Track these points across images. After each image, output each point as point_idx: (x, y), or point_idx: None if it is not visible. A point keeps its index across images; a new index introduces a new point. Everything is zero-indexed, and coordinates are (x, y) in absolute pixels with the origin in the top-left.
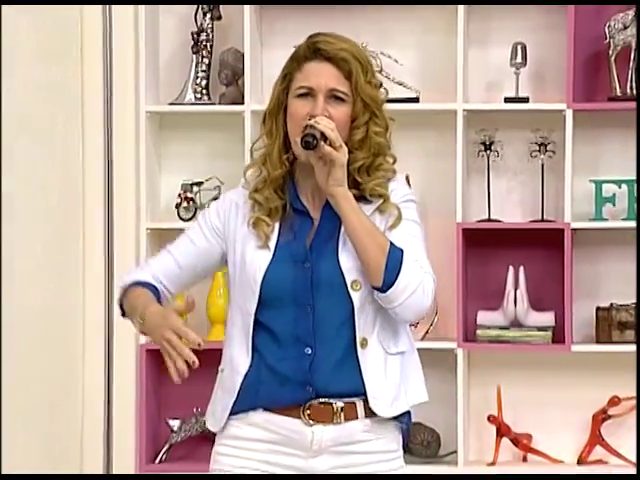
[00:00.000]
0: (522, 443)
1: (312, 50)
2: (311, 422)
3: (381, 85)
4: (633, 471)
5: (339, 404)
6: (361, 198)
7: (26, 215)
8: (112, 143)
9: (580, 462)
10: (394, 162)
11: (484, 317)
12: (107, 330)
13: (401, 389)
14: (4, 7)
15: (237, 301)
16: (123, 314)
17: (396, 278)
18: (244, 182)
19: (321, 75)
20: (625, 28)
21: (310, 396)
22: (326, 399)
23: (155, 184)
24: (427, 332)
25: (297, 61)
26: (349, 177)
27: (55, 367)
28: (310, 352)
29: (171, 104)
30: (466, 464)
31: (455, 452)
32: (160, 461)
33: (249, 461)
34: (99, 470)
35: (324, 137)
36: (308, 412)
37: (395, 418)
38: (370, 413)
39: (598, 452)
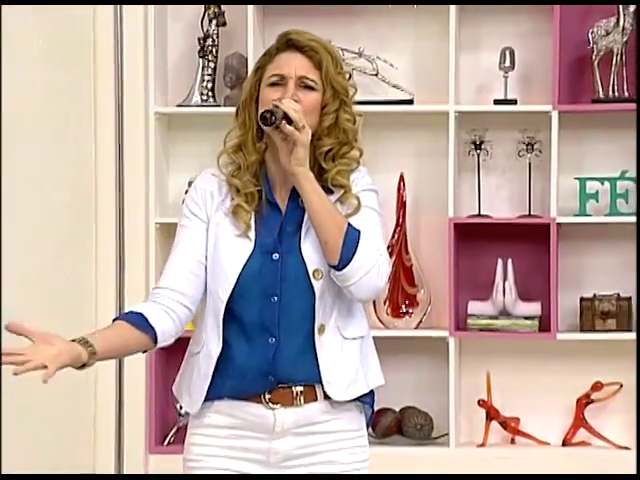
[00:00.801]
0: (510, 426)
1: (284, 42)
2: (272, 406)
3: (350, 77)
4: (615, 453)
5: (298, 388)
6: (323, 188)
7: (41, 211)
8: (123, 142)
9: (565, 444)
10: (361, 155)
11: (474, 307)
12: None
13: (359, 372)
14: (21, 11)
15: (211, 287)
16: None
17: (352, 257)
18: (214, 169)
19: (292, 64)
20: (607, 34)
21: (272, 385)
22: (286, 385)
23: (163, 181)
24: (420, 321)
25: (269, 54)
26: (315, 163)
27: None
28: (273, 341)
29: (179, 106)
30: (457, 446)
31: (447, 434)
32: (168, 443)
33: (216, 448)
34: (111, 451)
35: (287, 118)
36: (269, 397)
37: (355, 399)
38: (328, 395)
39: (582, 434)
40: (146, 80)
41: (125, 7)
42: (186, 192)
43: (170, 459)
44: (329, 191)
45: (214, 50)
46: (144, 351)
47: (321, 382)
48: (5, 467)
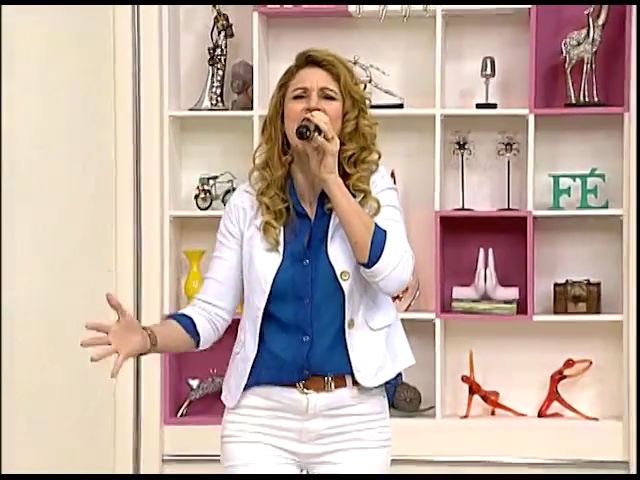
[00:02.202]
0: (491, 399)
1: (303, 59)
2: (306, 391)
3: (365, 87)
4: (585, 423)
5: (330, 376)
6: None
7: (66, 206)
8: (140, 143)
9: (540, 415)
10: (379, 157)
11: (458, 292)
12: (136, 304)
13: (387, 359)
14: (48, 22)
15: (247, 295)
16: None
17: (380, 255)
18: (247, 186)
19: (313, 77)
20: (579, 44)
21: (306, 376)
22: (319, 375)
23: (177, 178)
24: (410, 305)
25: (291, 72)
26: (339, 167)
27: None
28: (307, 339)
29: (190, 110)
30: (443, 417)
31: (433, 407)
32: (182, 415)
33: (252, 426)
34: (130, 423)
35: (318, 130)
36: (303, 382)
37: (380, 384)
38: (357, 382)
39: (555, 407)
40: (161, 86)
41: (142, 20)
42: (197, 188)
43: (182, 429)
44: (352, 195)
45: (222, 59)
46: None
47: (351, 371)
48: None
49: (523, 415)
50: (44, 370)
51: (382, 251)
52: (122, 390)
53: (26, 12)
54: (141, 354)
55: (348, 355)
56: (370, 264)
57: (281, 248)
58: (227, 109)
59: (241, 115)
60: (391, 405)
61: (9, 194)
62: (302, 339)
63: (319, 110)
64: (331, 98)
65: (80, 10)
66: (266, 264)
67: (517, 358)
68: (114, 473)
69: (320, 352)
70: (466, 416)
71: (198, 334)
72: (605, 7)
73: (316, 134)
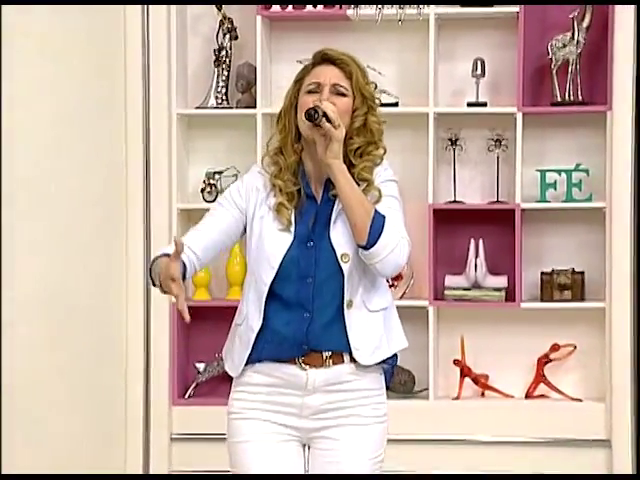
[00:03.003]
0: (481, 382)
1: (319, 57)
2: (305, 367)
3: (375, 87)
4: (569, 404)
5: (327, 353)
6: None
7: (80, 198)
8: (149, 139)
9: (527, 397)
10: (384, 153)
11: (450, 280)
12: (145, 291)
13: (383, 339)
14: (67, 28)
15: (254, 270)
16: (153, 283)
17: (378, 238)
18: (260, 169)
19: (327, 74)
20: (564, 47)
21: (305, 351)
22: (317, 351)
23: (184, 173)
24: (404, 292)
25: (307, 69)
26: (346, 159)
27: (103, 323)
28: (307, 316)
29: (197, 108)
30: (435, 399)
31: (427, 389)
32: (189, 396)
33: (257, 403)
34: (140, 404)
35: (326, 116)
36: (302, 359)
37: (377, 362)
38: (355, 359)
39: (542, 389)
40: (169, 86)
41: (151, 24)
42: (203, 182)
43: (190, 410)
44: (356, 183)
45: (227, 60)
46: None
47: (349, 349)
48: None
49: (511, 396)
50: (57, 352)
51: (380, 235)
52: (133, 373)
53: (41, 13)
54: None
55: (346, 333)
56: (368, 246)
57: (292, 228)
58: (232, 107)
59: (245, 113)
60: (387, 388)
61: (26, 188)
62: (303, 315)
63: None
64: (342, 94)
65: (93, 13)
66: (277, 243)
67: (506, 343)
68: (125, 452)
69: (319, 328)
70: (457, 398)
71: (184, 265)
72: (589, 11)
73: (324, 119)
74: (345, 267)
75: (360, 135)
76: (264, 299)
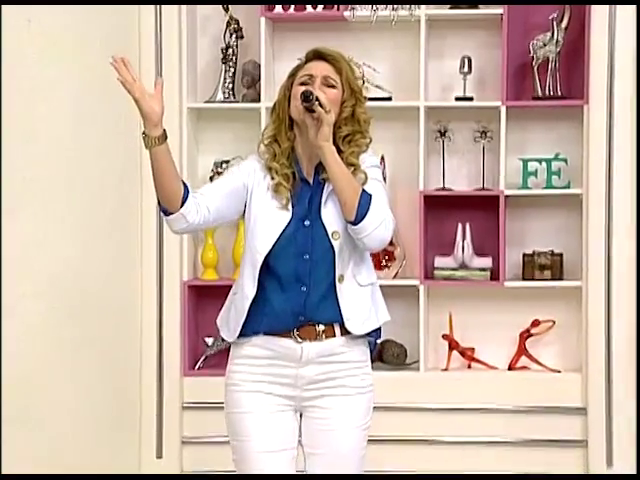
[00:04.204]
0: (467, 354)
1: (312, 54)
2: (300, 340)
3: (363, 83)
4: (549, 375)
5: (321, 327)
6: None
7: (97, 185)
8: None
9: (510, 368)
10: (370, 142)
11: (439, 261)
12: (158, 272)
13: (372, 311)
14: (85, 28)
15: (251, 243)
16: (164, 211)
17: (366, 214)
18: (256, 155)
19: (319, 67)
20: (545, 45)
21: (301, 323)
22: (312, 324)
23: (194, 162)
24: (397, 273)
25: (300, 64)
26: (335, 145)
27: (120, 302)
28: (305, 290)
29: (206, 102)
30: (426, 370)
31: (418, 361)
32: (198, 368)
33: (254, 375)
34: (153, 375)
35: (318, 101)
36: (298, 333)
37: (365, 335)
38: (345, 332)
39: (523, 361)
40: (180, 82)
41: (164, 24)
42: (212, 170)
43: (199, 380)
44: None
45: (234, 58)
46: (167, 205)
47: (341, 321)
48: (83, 374)
49: (495, 368)
50: (76, 329)
51: (367, 211)
52: (147, 347)
53: (58, 13)
54: (147, 140)
55: (339, 306)
56: (357, 222)
57: (290, 207)
58: (238, 102)
59: (250, 107)
60: (379, 359)
61: (46, 175)
62: (300, 289)
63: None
64: (332, 86)
65: (110, 13)
66: (275, 219)
67: (490, 318)
68: (140, 419)
69: (315, 301)
70: (446, 369)
71: (187, 190)
72: (567, 13)
73: (317, 102)
74: (336, 244)
75: (348, 124)
76: (258, 269)
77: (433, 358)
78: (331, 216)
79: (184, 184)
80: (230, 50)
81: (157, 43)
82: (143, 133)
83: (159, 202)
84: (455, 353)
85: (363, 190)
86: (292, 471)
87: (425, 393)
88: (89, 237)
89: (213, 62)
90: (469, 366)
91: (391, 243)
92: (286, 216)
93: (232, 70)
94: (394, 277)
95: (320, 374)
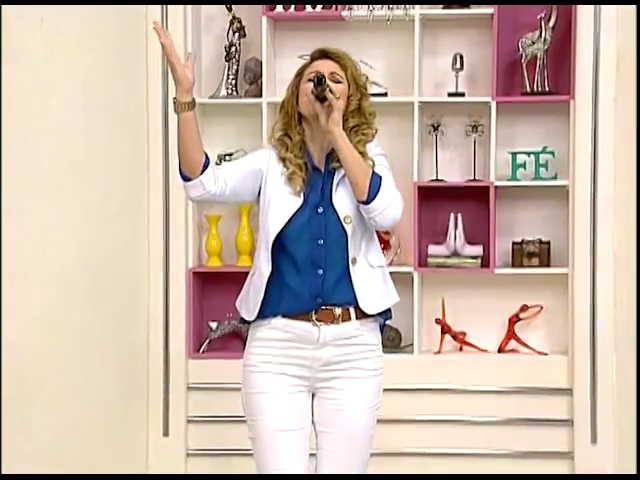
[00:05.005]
0: (459, 338)
1: (318, 53)
2: (318, 323)
3: (367, 79)
4: (536, 357)
5: (338, 311)
6: None
7: (107, 175)
8: (168, 126)
9: (499, 351)
10: (376, 132)
11: (433, 249)
12: (165, 259)
13: (384, 292)
14: (96, 27)
15: (264, 224)
16: (184, 177)
17: (377, 193)
18: (268, 146)
19: (325, 65)
20: (533, 44)
21: (318, 305)
22: (329, 307)
23: None
24: (392, 260)
25: (307, 63)
26: None
27: (128, 287)
28: (321, 273)
29: (210, 98)
30: (419, 353)
31: (412, 344)
32: (203, 351)
33: (271, 356)
34: (160, 357)
35: (329, 88)
36: (315, 316)
37: (377, 316)
38: (360, 316)
39: (512, 344)
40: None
41: (170, 23)
42: (216, 163)
43: (204, 363)
44: None
45: (237, 55)
46: (188, 172)
47: (356, 303)
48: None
49: (486, 351)
50: (86, 313)
51: (378, 190)
52: (154, 331)
53: (69, 12)
54: (177, 105)
55: (353, 288)
56: (368, 201)
57: (302, 195)
58: (240, 97)
59: (252, 102)
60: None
61: (60, 166)
62: (317, 272)
63: None
64: (338, 81)
65: (119, 13)
66: (287, 203)
67: (481, 304)
68: (148, 399)
69: (331, 283)
70: (439, 352)
71: (208, 160)
72: (554, 12)
73: (328, 88)
74: (348, 228)
75: (355, 117)
76: (270, 248)
77: (426, 341)
78: (342, 202)
79: (206, 155)
80: (233, 48)
81: None
82: (174, 98)
83: (180, 169)
84: (447, 337)
85: (373, 171)
86: (306, 449)
87: (419, 375)
88: (99, 227)
89: (217, 59)
90: (461, 349)
91: (387, 232)
92: (297, 202)
93: (235, 67)
94: (390, 264)
95: (336, 356)
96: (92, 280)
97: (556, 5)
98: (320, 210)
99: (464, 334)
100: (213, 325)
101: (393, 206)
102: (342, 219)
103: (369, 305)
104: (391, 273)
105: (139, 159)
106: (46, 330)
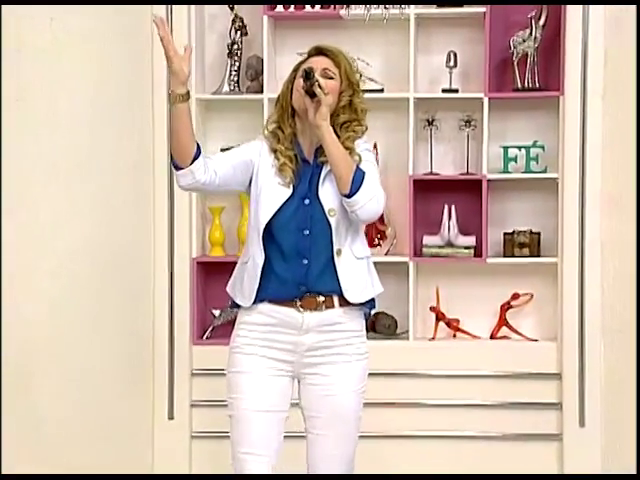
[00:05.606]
0: (453, 325)
1: (314, 50)
2: (302, 310)
3: (360, 76)
4: (527, 344)
5: (321, 298)
6: None
7: (115, 171)
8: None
9: (492, 337)
10: (366, 129)
11: (427, 239)
12: (170, 249)
13: (368, 282)
14: (105, 26)
15: (255, 213)
16: (175, 166)
17: (359, 188)
18: (261, 137)
19: (319, 61)
20: (524, 41)
21: (303, 293)
22: (313, 294)
23: (202, 148)
24: (388, 250)
25: (303, 60)
26: (333, 131)
27: (134, 276)
28: (306, 262)
29: (213, 93)
30: (415, 339)
31: (407, 331)
32: (206, 338)
33: (256, 339)
34: (165, 344)
35: (318, 83)
36: (300, 303)
37: (361, 305)
38: (344, 303)
39: (504, 331)
40: (189, 75)
41: (174, 22)
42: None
43: (207, 349)
44: None
45: (239, 53)
46: (179, 161)
47: (340, 292)
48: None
49: (478, 337)
50: (93, 301)
51: (360, 185)
52: (159, 318)
53: (78, 12)
54: (172, 96)
55: (337, 278)
56: (351, 194)
57: (292, 186)
58: (242, 93)
59: (253, 98)
60: (372, 330)
61: (70, 160)
62: (302, 261)
63: None
64: (330, 78)
65: (125, 13)
66: (276, 193)
67: (474, 292)
68: (153, 384)
69: (315, 273)
70: (433, 338)
71: (199, 150)
72: (545, 12)
73: (316, 82)
74: (332, 220)
75: (346, 113)
76: (261, 236)
77: (421, 328)
78: (328, 195)
79: (197, 145)
80: (235, 46)
81: None
82: (170, 90)
83: (172, 158)
84: (441, 324)
85: (357, 166)
86: (280, 430)
87: (414, 360)
88: (106, 219)
89: (220, 57)
90: (454, 336)
91: (383, 223)
92: (287, 192)
93: (237, 64)
94: (386, 254)
95: (319, 342)
96: (100, 270)
97: (546, 5)
98: (307, 202)
99: (457, 321)
100: (216, 312)
101: (374, 201)
102: (327, 212)
103: (353, 295)
104: (387, 263)
105: (145, 154)
106: (56, 317)
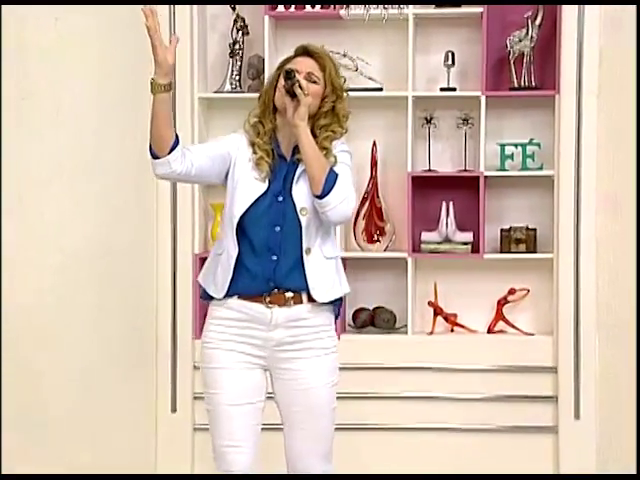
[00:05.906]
0: (450, 319)
1: (300, 50)
2: (270, 306)
3: (345, 81)
4: (523, 338)
5: (289, 294)
6: None
7: (119, 169)
8: (175, 119)
9: (489, 332)
10: (345, 131)
11: (426, 236)
12: (172, 245)
13: (335, 282)
14: (107, 27)
15: (230, 207)
16: (153, 155)
17: (331, 189)
18: (241, 131)
19: (304, 63)
20: (520, 41)
21: (271, 288)
22: (281, 290)
23: None
24: (387, 246)
25: (289, 58)
26: (312, 134)
27: (138, 272)
28: (275, 259)
29: (215, 92)
30: (413, 334)
31: (406, 326)
32: None
33: (227, 334)
34: (168, 338)
35: (298, 83)
36: (268, 299)
37: (330, 303)
38: (311, 300)
39: (501, 325)
40: (192, 74)
41: (177, 22)
42: None
43: None
44: None
45: (240, 52)
46: (157, 150)
47: (307, 290)
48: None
49: (475, 332)
50: (99, 297)
51: (333, 187)
52: (162, 313)
53: (82, 12)
54: (154, 85)
55: (305, 276)
56: (322, 195)
57: (267, 181)
58: (244, 92)
59: (255, 97)
60: (371, 324)
61: (76, 159)
62: (271, 258)
63: None
64: (314, 82)
65: (128, 13)
66: (251, 188)
67: (471, 287)
68: (156, 377)
69: (284, 269)
70: (431, 333)
71: (178, 140)
72: (541, 12)
73: (297, 83)
74: (303, 219)
75: (327, 117)
76: (235, 230)
77: (420, 323)
78: (301, 194)
79: (176, 135)
80: (237, 45)
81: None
82: (152, 79)
83: (150, 147)
84: (439, 318)
85: (331, 168)
86: (258, 421)
87: (412, 354)
88: (110, 215)
89: (221, 56)
90: (452, 330)
91: (382, 220)
92: (262, 187)
93: (239, 63)
94: (385, 250)
95: (288, 337)
96: (104, 265)
97: (542, 5)
98: (280, 198)
99: (455, 316)
100: None
101: (345, 203)
102: (299, 210)
103: (320, 293)
104: (386, 259)
105: (147, 153)
106: (59, 314)
